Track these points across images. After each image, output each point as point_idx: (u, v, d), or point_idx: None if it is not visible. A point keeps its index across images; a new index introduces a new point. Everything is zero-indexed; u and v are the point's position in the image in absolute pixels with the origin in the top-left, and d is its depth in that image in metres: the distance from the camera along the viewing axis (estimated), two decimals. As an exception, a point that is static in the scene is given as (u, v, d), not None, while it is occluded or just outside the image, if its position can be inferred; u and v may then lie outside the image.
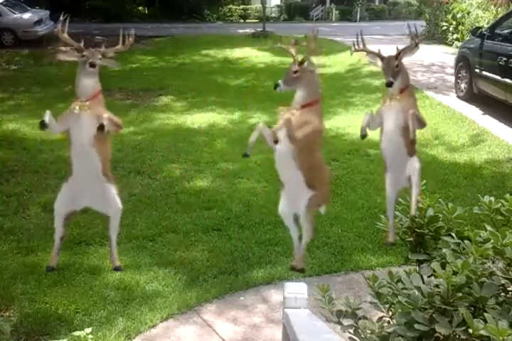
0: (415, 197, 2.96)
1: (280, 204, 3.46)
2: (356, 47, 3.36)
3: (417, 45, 3.30)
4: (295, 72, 3.21)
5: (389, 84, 3.15)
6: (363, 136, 3.29)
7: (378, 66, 3.26)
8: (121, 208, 3.63)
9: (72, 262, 4.17)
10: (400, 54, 3.24)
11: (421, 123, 3.28)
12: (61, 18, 3.21)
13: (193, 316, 3.60)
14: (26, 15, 16.41)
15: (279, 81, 3.13)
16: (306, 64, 3.29)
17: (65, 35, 3.33)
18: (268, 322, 3.54)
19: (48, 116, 3.21)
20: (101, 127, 3.20)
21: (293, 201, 3.40)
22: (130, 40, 3.57)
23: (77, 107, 3.27)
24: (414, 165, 3.27)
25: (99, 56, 3.34)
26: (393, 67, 3.17)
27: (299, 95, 3.19)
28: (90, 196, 3.63)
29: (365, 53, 3.38)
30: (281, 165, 3.27)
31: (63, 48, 14.68)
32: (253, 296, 3.82)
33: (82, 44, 3.35)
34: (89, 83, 3.38)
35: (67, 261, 4.16)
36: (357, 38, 3.36)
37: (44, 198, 5.30)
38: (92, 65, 3.24)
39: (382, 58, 3.22)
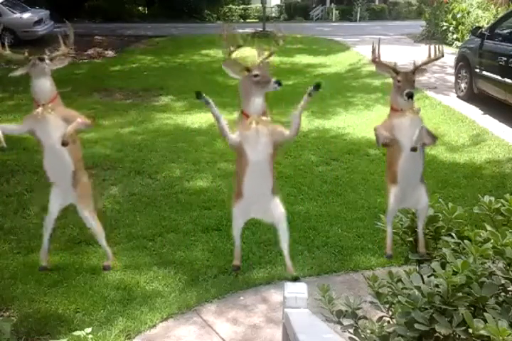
0: (421, 231, 2.88)
1: None
2: (374, 58, 3.26)
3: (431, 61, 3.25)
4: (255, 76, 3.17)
5: (410, 95, 3.01)
6: (385, 144, 3.10)
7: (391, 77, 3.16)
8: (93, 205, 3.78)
9: (72, 262, 4.17)
10: (417, 69, 3.16)
11: (432, 138, 3.23)
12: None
13: (193, 316, 3.60)
14: (26, 15, 16.42)
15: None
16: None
17: (6, 51, 3.35)
18: (268, 322, 3.54)
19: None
20: (64, 144, 3.27)
21: None
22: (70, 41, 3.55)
23: (39, 111, 3.29)
24: (424, 199, 3.14)
25: (45, 55, 3.33)
26: (412, 82, 3.07)
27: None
28: (69, 194, 3.74)
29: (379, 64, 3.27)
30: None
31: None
32: (253, 296, 3.82)
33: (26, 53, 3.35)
34: (45, 84, 3.34)
35: (67, 261, 4.16)
36: (373, 49, 3.26)
37: (44, 198, 5.29)
38: (41, 59, 3.23)
39: (397, 72, 3.13)
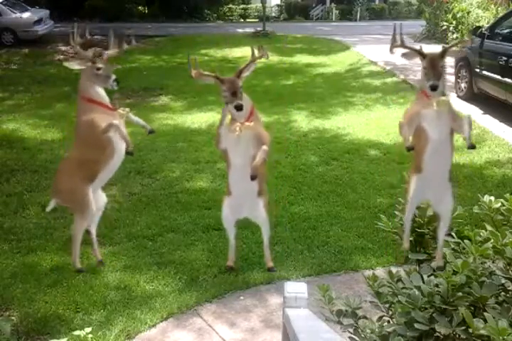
0: (442, 240, 2.80)
1: None
2: (396, 43, 2.96)
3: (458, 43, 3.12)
4: None
5: (434, 88, 2.73)
6: (410, 148, 2.89)
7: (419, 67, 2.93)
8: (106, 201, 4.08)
9: (72, 262, 4.16)
10: (445, 52, 2.85)
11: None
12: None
13: (192, 316, 3.60)
14: (26, 15, 16.41)
15: None
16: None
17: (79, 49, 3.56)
18: (268, 322, 3.54)
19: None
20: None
21: None
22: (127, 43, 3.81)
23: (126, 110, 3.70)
24: (448, 199, 2.92)
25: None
26: (438, 68, 2.77)
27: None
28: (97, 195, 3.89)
29: (402, 50, 2.95)
30: None
31: (63, 48, 14.69)
32: (253, 296, 3.82)
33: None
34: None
35: (67, 261, 4.16)
36: (394, 34, 2.96)
37: (44, 198, 5.29)
38: (98, 69, 3.50)
39: (424, 56, 2.82)
